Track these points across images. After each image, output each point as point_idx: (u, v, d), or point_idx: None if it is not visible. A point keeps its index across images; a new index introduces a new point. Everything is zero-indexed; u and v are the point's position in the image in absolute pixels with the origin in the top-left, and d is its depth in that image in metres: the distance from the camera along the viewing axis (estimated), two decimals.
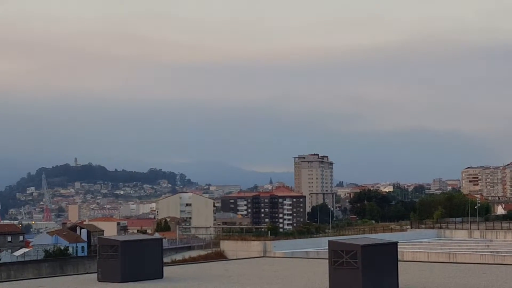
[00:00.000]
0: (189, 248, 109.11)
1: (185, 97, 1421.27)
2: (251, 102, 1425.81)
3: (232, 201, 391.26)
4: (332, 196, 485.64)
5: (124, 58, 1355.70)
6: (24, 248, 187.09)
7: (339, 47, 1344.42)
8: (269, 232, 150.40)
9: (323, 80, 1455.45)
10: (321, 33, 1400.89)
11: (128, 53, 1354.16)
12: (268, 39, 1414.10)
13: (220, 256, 75.70)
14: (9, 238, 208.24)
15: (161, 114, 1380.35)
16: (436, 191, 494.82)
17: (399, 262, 31.95)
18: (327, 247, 31.42)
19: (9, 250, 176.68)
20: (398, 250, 32.66)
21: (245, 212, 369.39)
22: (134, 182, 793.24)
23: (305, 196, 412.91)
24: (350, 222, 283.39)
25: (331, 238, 37.97)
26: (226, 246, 79.70)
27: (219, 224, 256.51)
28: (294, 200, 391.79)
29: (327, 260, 30.90)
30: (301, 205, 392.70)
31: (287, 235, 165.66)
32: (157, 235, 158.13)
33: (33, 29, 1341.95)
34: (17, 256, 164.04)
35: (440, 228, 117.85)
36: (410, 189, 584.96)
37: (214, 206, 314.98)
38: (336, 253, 30.22)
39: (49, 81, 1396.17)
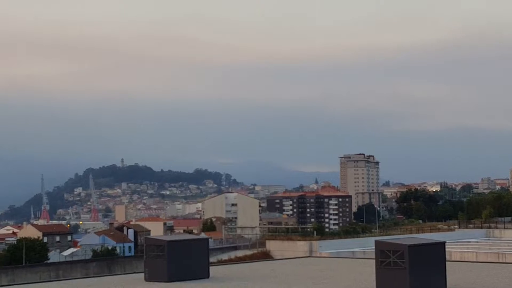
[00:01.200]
0: (235, 248, 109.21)
1: (230, 97, 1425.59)
2: (296, 101, 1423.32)
3: (277, 201, 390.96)
4: (378, 195, 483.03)
5: (167, 60, 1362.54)
6: (72, 248, 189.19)
7: (385, 46, 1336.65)
8: (315, 232, 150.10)
9: (369, 79, 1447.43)
10: (366, 32, 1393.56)
11: (171, 55, 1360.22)
12: (311, 38, 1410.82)
13: (266, 256, 75.56)
14: (57, 238, 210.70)
15: (207, 114, 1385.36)
16: (485, 191, 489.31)
17: (446, 262, 31.63)
18: (373, 247, 31.23)
19: (58, 250, 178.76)
20: (446, 250, 32.33)
21: (290, 212, 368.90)
22: (180, 183, 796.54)
23: (351, 196, 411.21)
24: (396, 222, 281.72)
25: (377, 238, 37.70)
26: (272, 246, 79.48)
27: (264, 224, 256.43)
28: (340, 200, 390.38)
29: (374, 260, 30.73)
30: (347, 205, 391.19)
31: (333, 235, 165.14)
32: (203, 235, 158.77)
33: (78, 32, 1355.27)
34: (65, 256, 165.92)
35: (489, 228, 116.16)
36: (457, 188, 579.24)
37: (259, 206, 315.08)
38: (383, 253, 30.03)
39: (95, 83, 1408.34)
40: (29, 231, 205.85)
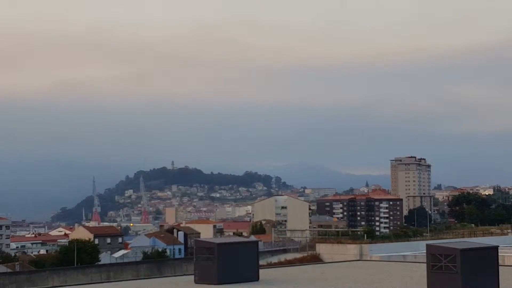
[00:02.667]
0: (285, 251, 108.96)
1: (281, 100, 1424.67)
2: (347, 104, 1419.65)
3: (327, 204, 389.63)
4: (430, 199, 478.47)
5: (216, 62, 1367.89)
6: (123, 250, 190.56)
7: (437, 47, 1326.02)
8: (365, 235, 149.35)
9: (421, 81, 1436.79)
10: (417, 33, 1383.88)
11: (220, 57, 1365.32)
12: (362, 40, 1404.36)
13: (316, 259, 75.28)
14: (108, 240, 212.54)
15: (257, 117, 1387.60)
16: None
17: (499, 267, 31.14)
18: (425, 251, 30.90)
19: (109, 252, 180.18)
20: (499, 254, 31.83)
21: (340, 215, 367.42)
22: (230, 185, 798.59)
23: (402, 199, 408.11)
24: (448, 225, 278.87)
25: (429, 242, 37.31)
26: (322, 249, 79.14)
27: (314, 227, 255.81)
28: (391, 203, 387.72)
29: (425, 264, 30.40)
30: (398, 208, 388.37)
31: (384, 238, 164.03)
32: (253, 238, 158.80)
33: (128, 35, 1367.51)
34: (116, 258, 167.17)
35: None
36: (511, 192, 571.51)
37: (309, 209, 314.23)
38: (435, 257, 29.69)
39: (146, 86, 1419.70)
40: (80, 233, 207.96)
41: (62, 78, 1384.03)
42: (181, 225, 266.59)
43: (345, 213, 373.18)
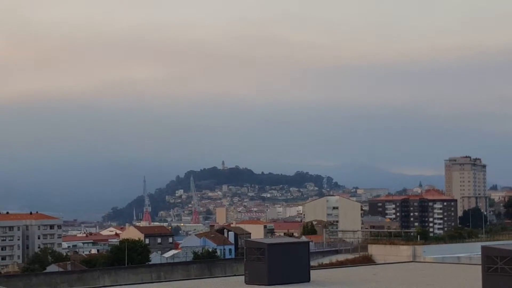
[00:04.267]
0: (336, 252, 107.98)
1: (332, 99, 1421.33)
2: (400, 103, 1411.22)
3: (380, 204, 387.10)
4: (485, 200, 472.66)
5: (264, 61, 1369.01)
6: (173, 250, 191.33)
7: (490, 46, 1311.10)
8: (418, 236, 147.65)
9: (474, 79, 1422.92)
10: (470, 32, 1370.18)
11: (267, 56, 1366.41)
12: (415, 39, 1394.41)
13: (368, 260, 74.37)
14: (159, 240, 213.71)
15: (308, 116, 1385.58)
16: None
17: None
18: (480, 253, 30.16)
19: (159, 252, 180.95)
20: None
21: (393, 216, 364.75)
22: (281, 185, 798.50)
23: (456, 200, 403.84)
24: (504, 226, 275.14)
25: (484, 244, 36.45)
26: (374, 250, 78.10)
27: (366, 228, 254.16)
28: (445, 204, 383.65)
29: (480, 266, 29.69)
30: (452, 209, 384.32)
31: (438, 239, 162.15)
32: (303, 238, 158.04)
33: (177, 35, 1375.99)
34: (166, 258, 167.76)
35: None
36: None
37: (361, 209, 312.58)
38: (490, 259, 28.97)
39: (195, 86, 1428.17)
40: (131, 233, 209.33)
41: (111, 78, 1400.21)
42: (232, 225, 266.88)
43: (398, 214, 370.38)
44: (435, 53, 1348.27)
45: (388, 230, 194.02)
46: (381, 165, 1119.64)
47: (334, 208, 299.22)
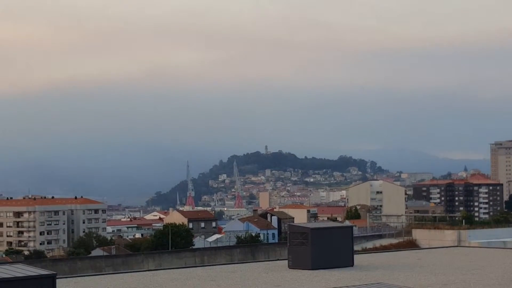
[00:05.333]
0: (380, 237, 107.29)
1: (373, 82, 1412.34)
2: (444, 86, 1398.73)
3: (424, 189, 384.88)
4: None
5: (307, 44, 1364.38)
6: (216, 234, 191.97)
7: None
8: (463, 221, 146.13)
9: None
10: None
11: (310, 39, 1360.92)
12: (461, 21, 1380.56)
13: (412, 245, 73.63)
14: (202, 224, 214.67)
15: (350, 100, 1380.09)
16: None
17: None
18: None
19: (203, 236, 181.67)
20: None
21: (438, 200, 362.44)
22: (324, 170, 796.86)
23: (502, 184, 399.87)
24: None
25: None
26: (418, 234, 77.32)
27: (411, 212, 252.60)
28: (491, 188, 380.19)
29: None
30: (498, 193, 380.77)
31: (483, 224, 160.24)
32: (347, 223, 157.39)
33: (216, 19, 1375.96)
34: (210, 242, 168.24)
35: None
36: None
37: (405, 194, 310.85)
38: None
39: (238, 70, 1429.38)
40: (175, 217, 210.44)
41: (153, 63, 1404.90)
42: (275, 209, 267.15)
43: (442, 198, 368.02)
44: (484, 35, 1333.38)
45: (433, 215, 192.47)
46: (426, 149, 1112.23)
47: (377, 192, 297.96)
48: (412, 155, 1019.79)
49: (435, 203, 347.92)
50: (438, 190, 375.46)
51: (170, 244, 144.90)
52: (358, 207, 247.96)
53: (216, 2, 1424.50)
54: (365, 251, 68.29)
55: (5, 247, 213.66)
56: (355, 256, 37.97)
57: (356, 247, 57.13)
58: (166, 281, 32.83)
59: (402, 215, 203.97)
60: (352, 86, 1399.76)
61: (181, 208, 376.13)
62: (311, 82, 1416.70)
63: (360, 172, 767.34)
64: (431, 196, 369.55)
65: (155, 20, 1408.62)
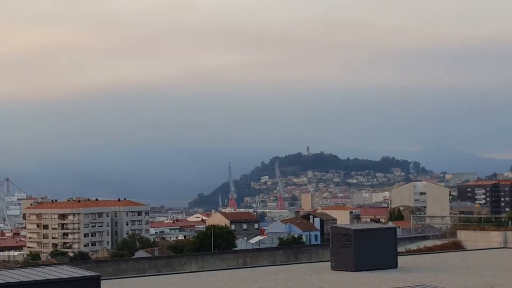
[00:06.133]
0: (424, 238, 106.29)
1: (416, 82, 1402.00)
2: (487, 85, 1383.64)
3: (469, 189, 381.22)
4: None
5: (346, 46, 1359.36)
6: (259, 236, 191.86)
7: None
8: (510, 222, 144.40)
9: None
10: None
11: (350, 40, 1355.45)
12: (503, 20, 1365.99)
13: (457, 246, 72.96)
14: (244, 226, 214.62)
15: (393, 100, 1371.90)
16: None
17: None
18: None
19: (245, 238, 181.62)
20: None
21: (483, 201, 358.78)
22: (367, 171, 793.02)
23: None
24: None
25: None
26: (463, 236, 76.55)
27: (455, 213, 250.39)
28: None
29: None
30: None
31: None
32: (390, 224, 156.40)
33: (256, 21, 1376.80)
34: (252, 244, 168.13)
35: None
36: None
37: (450, 194, 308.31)
38: None
39: (277, 71, 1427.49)
40: (217, 219, 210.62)
41: (194, 65, 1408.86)
42: (317, 211, 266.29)
43: (488, 199, 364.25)
44: None
45: (478, 216, 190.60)
46: (470, 150, 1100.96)
47: (421, 193, 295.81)
48: (456, 156, 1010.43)
49: (480, 204, 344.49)
50: (483, 191, 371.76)
51: (213, 246, 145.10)
52: (401, 208, 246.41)
53: (256, 5, 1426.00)
54: (409, 252, 67.80)
55: (50, 249, 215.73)
56: (399, 257, 37.71)
57: (399, 249, 56.76)
58: (208, 282, 32.87)
59: (446, 216, 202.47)
60: (394, 86, 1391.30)
61: (223, 210, 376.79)
62: (352, 82, 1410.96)
63: (403, 173, 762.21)
64: (476, 196, 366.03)
65: (193, 23, 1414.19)
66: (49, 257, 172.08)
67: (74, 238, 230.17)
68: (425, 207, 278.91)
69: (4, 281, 20.79)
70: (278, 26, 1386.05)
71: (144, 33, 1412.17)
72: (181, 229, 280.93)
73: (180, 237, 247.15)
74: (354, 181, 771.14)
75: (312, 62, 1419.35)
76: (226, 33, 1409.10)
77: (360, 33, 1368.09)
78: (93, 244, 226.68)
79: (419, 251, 71.12)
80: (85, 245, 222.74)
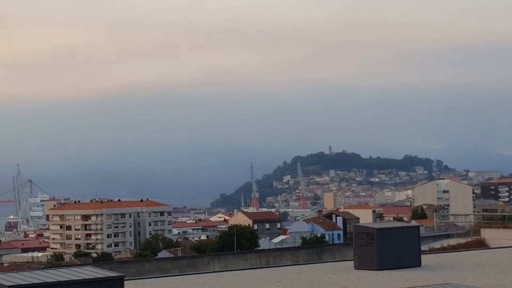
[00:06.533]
0: (447, 236, 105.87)
1: (438, 80, 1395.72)
2: (505, 83, 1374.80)
3: (492, 187, 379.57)
4: None
5: (367, 44, 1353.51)
6: (281, 235, 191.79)
7: None
8: None
9: None
10: None
11: (371, 38, 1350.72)
12: None
13: (480, 244, 72.61)
14: (267, 226, 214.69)
15: (414, 98, 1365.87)
16: None
17: None
18: None
19: (268, 237, 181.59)
20: None
21: (507, 199, 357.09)
22: (389, 169, 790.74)
23: None
24: None
25: None
26: (487, 234, 76.21)
27: (479, 212, 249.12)
28: None
29: None
30: None
31: None
32: (413, 223, 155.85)
33: (274, 20, 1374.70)
34: (275, 243, 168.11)
35: None
36: None
37: (473, 192, 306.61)
38: None
39: (297, 71, 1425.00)
40: (239, 219, 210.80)
41: (213, 65, 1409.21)
42: (340, 210, 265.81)
43: (511, 197, 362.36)
44: None
45: (502, 214, 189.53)
46: (493, 147, 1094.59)
47: (444, 191, 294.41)
48: (479, 153, 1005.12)
49: (503, 201, 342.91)
50: (507, 189, 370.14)
51: (236, 246, 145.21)
52: (424, 207, 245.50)
53: (270, 3, 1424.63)
54: (433, 251, 67.52)
55: (73, 249, 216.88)
56: (422, 256, 37.55)
57: (423, 247, 56.56)
58: (231, 282, 32.87)
59: (470, 214, 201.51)
60: (415, 84, 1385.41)
61: (245, 210, 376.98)
62: (373, 81, 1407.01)
63: (425, 172, 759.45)
64: (499, 194, 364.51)
65: (210, 23, 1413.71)
66: (73, 258, 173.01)
67: (97, 239, 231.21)
68: (448, 205, 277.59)
69: (28, 282, 20.90)
70: (296, 24, 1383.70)
71: (161, 34, 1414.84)
72: (203, 229, 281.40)
73: (203, 237, 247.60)
74: (377, 180, 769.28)
75: (330, 61, 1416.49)
76: (243, 33, 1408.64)
77: (378, 31, 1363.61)
78: (116, 244, 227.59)
79: (442, 250, 70.82)
80: (108, 246, 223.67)
